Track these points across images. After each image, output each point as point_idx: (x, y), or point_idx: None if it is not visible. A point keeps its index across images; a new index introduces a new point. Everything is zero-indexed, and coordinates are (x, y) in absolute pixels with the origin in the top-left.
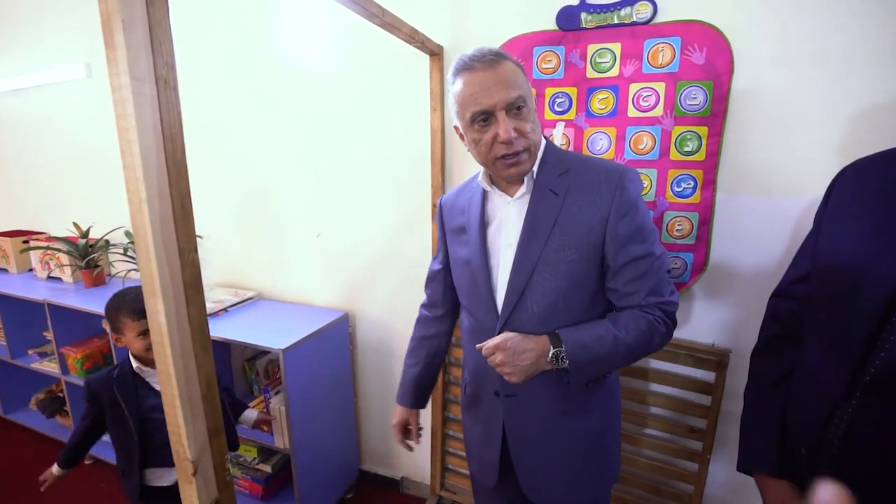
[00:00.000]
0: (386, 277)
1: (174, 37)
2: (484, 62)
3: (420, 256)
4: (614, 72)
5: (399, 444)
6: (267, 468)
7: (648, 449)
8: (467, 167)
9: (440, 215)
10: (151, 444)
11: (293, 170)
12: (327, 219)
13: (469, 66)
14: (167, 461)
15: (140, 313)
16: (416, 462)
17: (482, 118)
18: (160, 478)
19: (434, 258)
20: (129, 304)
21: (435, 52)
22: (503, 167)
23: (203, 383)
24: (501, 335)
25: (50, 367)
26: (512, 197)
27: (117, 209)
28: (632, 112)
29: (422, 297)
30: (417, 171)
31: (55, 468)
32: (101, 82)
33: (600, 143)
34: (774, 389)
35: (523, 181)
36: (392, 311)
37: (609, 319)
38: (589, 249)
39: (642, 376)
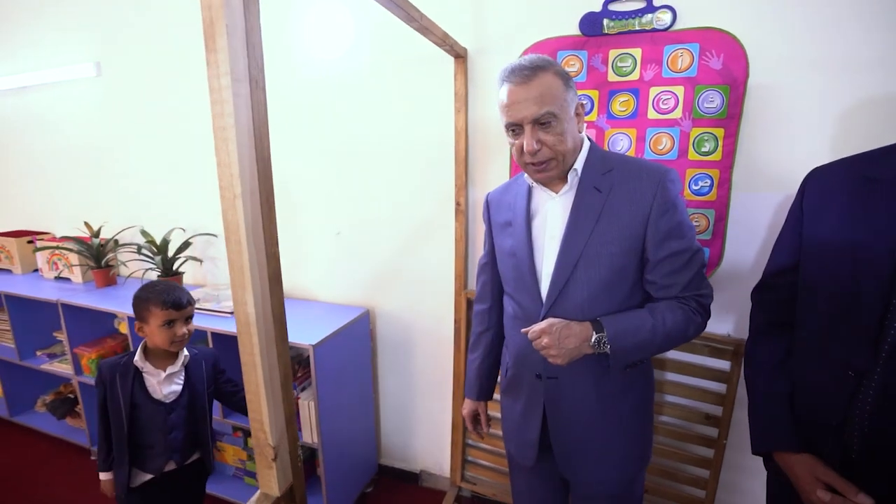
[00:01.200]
0: (407, 275)
1: None
2: (521, 76)
3: (442, 254)
4: (635, 76)
5: (471, 434)
6: None
7: (665, 436)
8: (490, 167)
9: (487, 210)
10: (132, 442)
11: (314, 168)
12: (348, 217)
13: (508, 78)
14: (142, 464)
15: (167, 304)
16: (434, 455)
17: (513, 129)
18: (135, 478)
19: (483, 254)
20: (159, 293)
21: (460, 55)
22: (531, 172)
23: (282, 373)
24: (547, 321)
25: (62, 367)
26: (557, 193)
27: (125, 208)
28: (651, 114)
29: (443, 294)
30: (440, 170)
31: (102, 475)
32: (110, 81)
33: (621, 144)
34: (779, 371)
35: (567, 179)
36: (412, 308)
37: (648, 309)
38: (630, 243)
39: (660, 366)
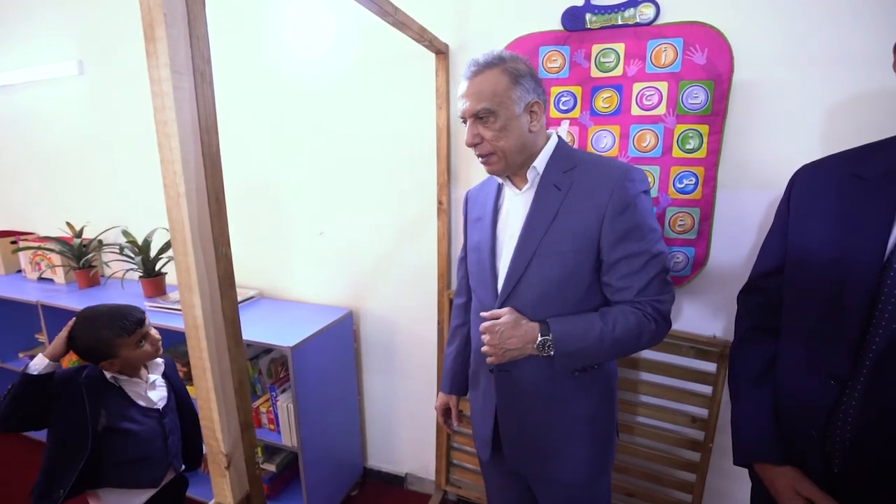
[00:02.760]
0: (390, 275)
1: None
2: (469, 72)
3: (425, 253)
4: (618, 71)
5: (443, 427)
6: (271, 467)
7: (650, 439)
8: (473, 165)
9: (465, 206)
10: (118, 459)
11: (295, 167)
12: (330, 216)
13: (463, 72)
14: (136, 480)
15: (132, 325)
16: (420, 458)
17: (463, 121)
18: (122, 500)
19: (462, 248)
20: (112, 324)
21: (441, 51)
22: (483, 164)
23: (236, 377)
24: (504, 313)
25: None
26: (520, 190)
27: (109, 208)
28: (635, 111)
29: (427, 294)
30: (423, 169)
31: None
32: (93, 79)
33: (604, 141)
34: (762, 379)
35: (527, 178)
36: (396, 308)
37: (599, 313)
38: (584, 242)
39: (645, 367)
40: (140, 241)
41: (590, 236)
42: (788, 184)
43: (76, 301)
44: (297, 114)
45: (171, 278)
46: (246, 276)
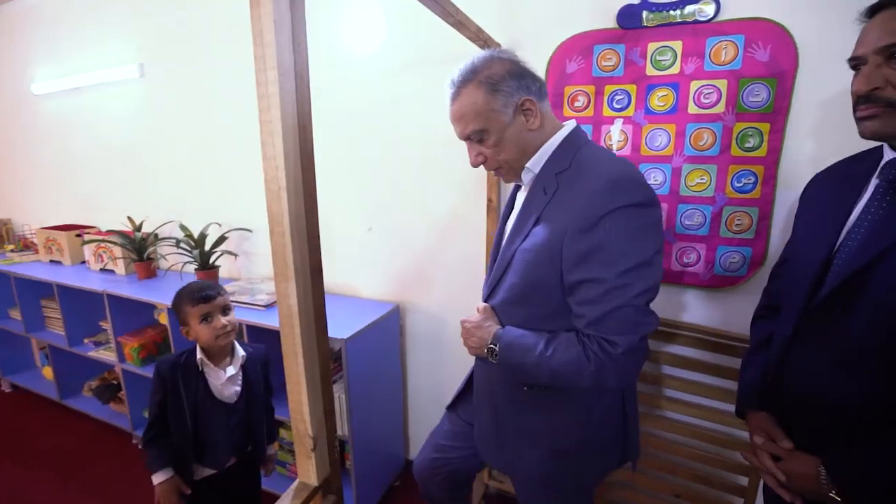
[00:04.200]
0: (438, 271)
1: None
2: (450, 94)
3: (474, 251)
4: (675, 69)
5: None
6: None
7: (701, 440)
8: None
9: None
10: (197, 439)
11: (345, 163)
12: (379, 213)
13: (447, 94)
14: (201, 459)
15: (198, 299)
16: None
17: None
18: (198, 472)
19: None
20: (189, 293)
21: None
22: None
23: (322, 365)
24: (482, 306)
25: (106, 355)
26: (522, 188)
27: (165, 204)
28: (692, 109)
29: (475, 291)
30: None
31: (157, 477)
32: (152, 82)
33: (659, 140)
34: (760, 348)
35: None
36: (444, 304)
37: (548, 337)
38: (547, 255)
39: (698, 368)
40: (196, 235)
41: (553, 250)
42: (804, 189)
43: (136, 291)
44: (344, 110)
45: (223, 271)
46: None
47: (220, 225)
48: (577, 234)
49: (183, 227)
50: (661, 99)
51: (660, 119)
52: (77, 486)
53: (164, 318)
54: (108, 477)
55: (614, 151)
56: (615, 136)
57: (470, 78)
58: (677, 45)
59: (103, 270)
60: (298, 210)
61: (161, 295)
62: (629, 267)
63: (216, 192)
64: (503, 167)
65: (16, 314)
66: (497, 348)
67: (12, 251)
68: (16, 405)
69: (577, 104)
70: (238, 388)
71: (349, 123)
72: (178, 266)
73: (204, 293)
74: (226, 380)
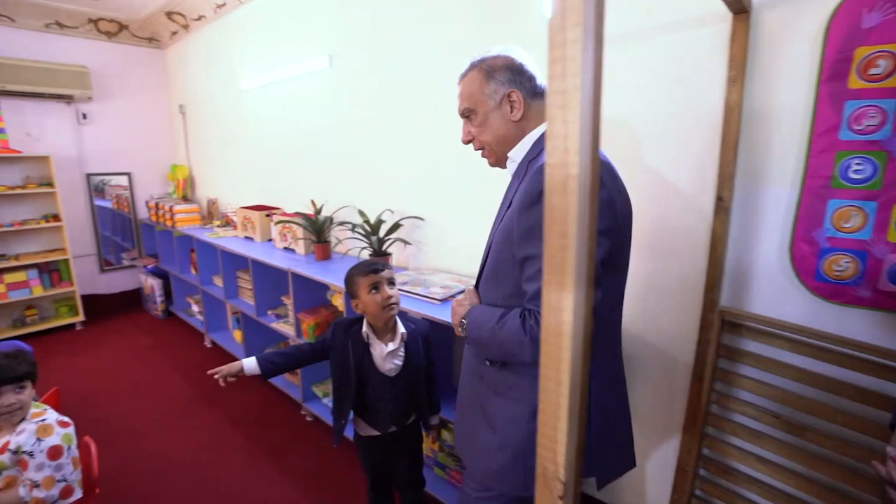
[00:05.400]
0: (640, 283)
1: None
2: (459, 75)
3: (686, 261)
4: None
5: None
6: None
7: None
8: (772, 154)
9: None
10: (363, 402)
11: None
12: None
13: None
14: (371, 421)
15: (366, 271)
16: (652, 497)
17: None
18: (365, 430)
19: None
20: (360, 266)
21: (744, 9)
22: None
23: (581, 396)
24: (468, 285)
25: (285, 328)
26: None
27: (340, 189)
28: None
29: (686, 309)
30: (688, 157)
31: (247, 368)
32: (339, 72)
33: None
34: None
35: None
36: (643, 320)
37: (503, 310)
38: (506, 234)
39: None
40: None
41: (510, 229)
42: None
43: (314, 271)
44: None
45: (392, 259)
46: (462, 264)
47: (392, 212)
48: (521, 210)
49: (361, 213)
50: None
51: None
52: (258, 447)
53: (335, 300)
54: (280, 442)
55: None
56: None
57: (477, 64)
58: None
59: (286, 249)
60: (583, 204)
61: (336, 277)
62: None
63: (390, 179)
64: (486, 148)
65: (218, 281)
66: (466, 323)
67: (218, 226)
68: (215, 360)
69: (873, 70)
70: (399, 363)
71: None
72: (354, 251)
73: (374, 265)
74: (387, 353)
